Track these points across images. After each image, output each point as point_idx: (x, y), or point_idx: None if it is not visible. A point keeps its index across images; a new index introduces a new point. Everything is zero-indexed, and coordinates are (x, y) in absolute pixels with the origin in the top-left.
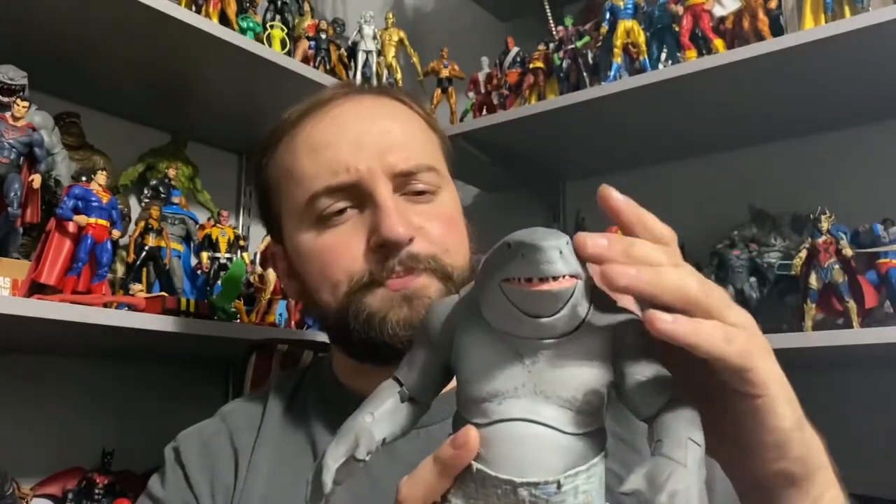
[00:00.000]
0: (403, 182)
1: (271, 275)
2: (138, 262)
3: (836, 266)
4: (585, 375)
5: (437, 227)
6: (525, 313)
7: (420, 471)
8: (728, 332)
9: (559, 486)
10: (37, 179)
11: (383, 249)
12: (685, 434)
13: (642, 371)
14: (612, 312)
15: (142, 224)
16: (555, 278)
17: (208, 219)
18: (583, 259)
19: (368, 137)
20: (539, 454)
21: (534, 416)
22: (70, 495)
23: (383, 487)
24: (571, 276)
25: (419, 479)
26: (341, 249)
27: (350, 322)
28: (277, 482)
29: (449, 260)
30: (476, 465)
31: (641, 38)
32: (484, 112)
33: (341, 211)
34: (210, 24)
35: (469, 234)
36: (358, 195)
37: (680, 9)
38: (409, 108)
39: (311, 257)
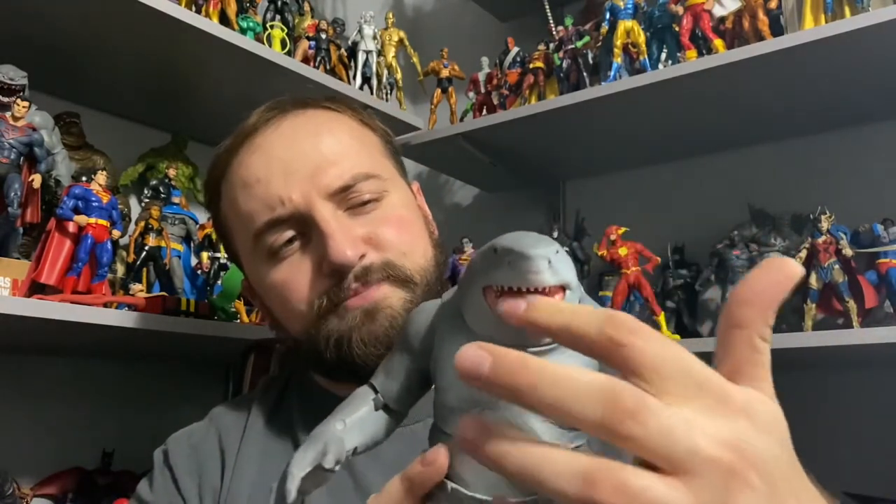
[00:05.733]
0: (343, 197)
1: None
2: (138, 262)
3: (836, 266)
4: None
5: (389, 231)
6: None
7: (388, 489)
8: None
9: None
10: (37, 179)
11: (336, 273)
12: None
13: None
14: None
15: (142, 224)
16: (541, 290)
17: (208, 219)
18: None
19: (297, 163)
20: None
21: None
22: (70, 495)
23: (365, 486)
24: (559, 287)
25: (386, 498)
26: (297, 282)
27: (322, 349)
28: (263, 483)
29: (406, 263)
30: (450, 484)
31: (641, 38)
32: (484, 112)
33: (289, 241)
34: (210, 24)
35: (429, 226)
36: (300, 223)
37: (680, 9)
38: (337, 113)
39: (271, 293)
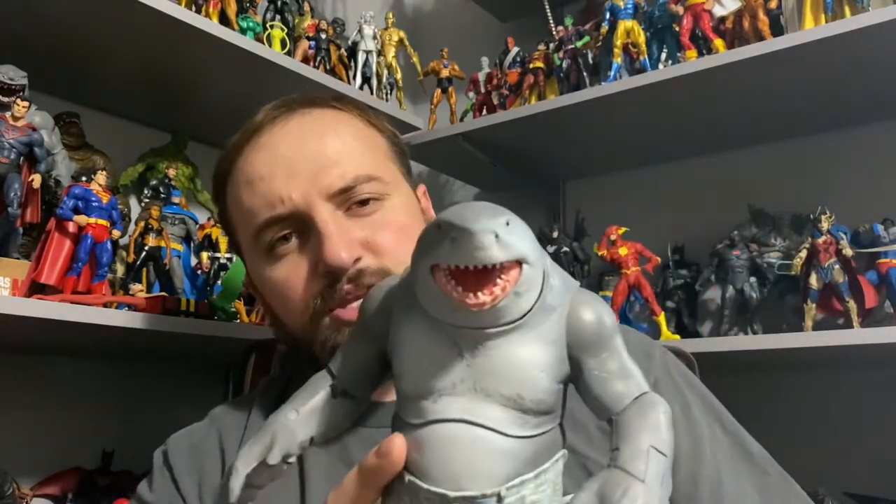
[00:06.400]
0: (344, 198)
1: None
2: (138, 262)
3: (837, 266)
4: (533, 369)
5: (387, 236)
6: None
7: (346, 482)
8: None
9: (500, 499)
10: (37, 179)
11: (331, 274)
12: (647, 441)
13: (605, 363)
14: (571, 294)
15: (142, 224)
16: (492, 267)
17: (208, 219)
18: None
19: (300, 162)
20: (477, 462)
21: (472, 416)
22: (70, 495)
23: None
24: (513, 262)
25: (344, 491)
26: (293, 281)
27: (318, 353)
28: None
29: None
30: (407, 476)
31: (641, 38)
32: (484, 112)
33: (288, 240)
34: (210, 24)
35: None
36: (299, 222)
37: (680, 9)
38: (344, 113)
39: (269, 290)
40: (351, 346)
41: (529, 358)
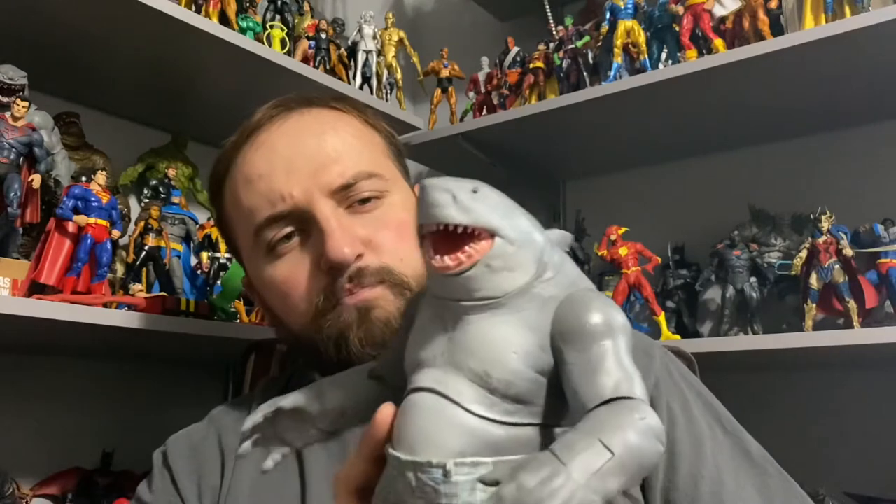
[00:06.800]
0: (344, 195)
1: None
2: (138, 262)
3: (837, 266)
4: (504, 349)
5: (387, 236)
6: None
7: (352, 454)
8: None
9: (446, 472)
10: (36, 179)
11: (333, 271)
12: (599, 434)
13: (589, 357)
14: (572, 290)
15: (142, 224)
16: (463, 232)
17: (208, 219)
18: None
19: (299, 160)
20: (433, 429)
21: (440, 386)
22: (70, 495)
23: None
24: (485, 233)
25: (349, 463)
26: (296, 279)
27: (322, 349)
28: (263, 482)
29: (405, 269)
30: (388, 446)
31: (641, 38)
32: (484, 112)
33: (288, 236)
34: (210, 24)
35: None
36: (300, 220)
37: (680, 9)
38: (342, 112)
39: (270, 289)
40: (398, 333)
41: (502, 337)
